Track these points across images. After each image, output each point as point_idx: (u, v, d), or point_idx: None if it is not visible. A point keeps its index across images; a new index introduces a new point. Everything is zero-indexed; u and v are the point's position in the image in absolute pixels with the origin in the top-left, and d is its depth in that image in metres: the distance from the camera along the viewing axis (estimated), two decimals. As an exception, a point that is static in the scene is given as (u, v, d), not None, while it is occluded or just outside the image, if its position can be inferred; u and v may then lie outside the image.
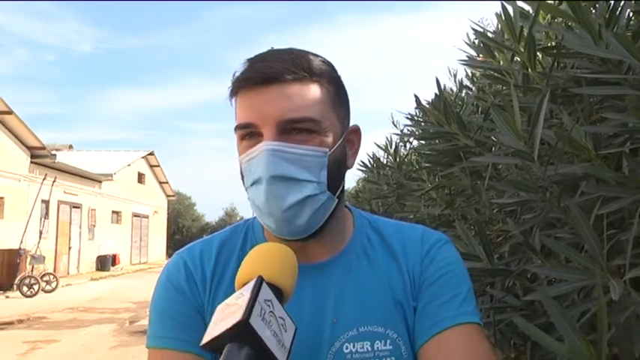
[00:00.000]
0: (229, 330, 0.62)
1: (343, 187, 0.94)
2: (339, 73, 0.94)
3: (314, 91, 0.86)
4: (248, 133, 0.86)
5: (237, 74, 0.88)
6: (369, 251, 0.96)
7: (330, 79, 0.90)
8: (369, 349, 0.87)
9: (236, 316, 0.62)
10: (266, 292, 0.67)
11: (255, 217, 1.02)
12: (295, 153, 0.83)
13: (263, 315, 0.64)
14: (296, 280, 0.76)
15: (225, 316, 0.65)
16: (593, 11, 1.35)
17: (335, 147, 0.88)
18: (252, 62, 0.87)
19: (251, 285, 0.68)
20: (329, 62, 0.92)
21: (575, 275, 0.89)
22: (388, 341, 0.87)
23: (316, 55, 0.91)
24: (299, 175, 0.83)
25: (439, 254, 0.94)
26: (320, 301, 0.90)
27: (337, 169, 0.89)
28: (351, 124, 0.97)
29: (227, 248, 0.98)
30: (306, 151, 0.84)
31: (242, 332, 0.62)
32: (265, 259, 0.75)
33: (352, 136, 0.96)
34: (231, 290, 0.91)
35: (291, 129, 0.83)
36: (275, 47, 0.91)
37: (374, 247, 0.96)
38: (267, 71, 0.83)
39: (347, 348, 0.87)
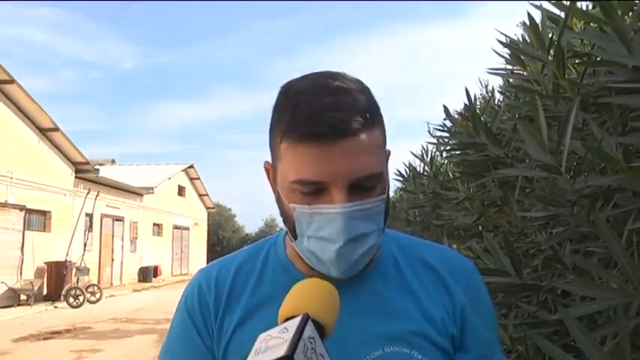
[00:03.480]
0: None
1: None
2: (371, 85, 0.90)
3: (376, 138, 0.84)
4: (311, 188, 0.82)
5: (296, 120, 0.80)
6: (396, 272, 0.95)
7: (379, 113, 0.87)
8: None
9: (280, 350, 0.64)
10: (310, 330, 0.69)
11: (277, 236, 1.02)
12: (365, 209, 0.82)
13: (306, 352, 0.66)
14: (337, 319, 0.76)
15: (269, 347, 0.66)
16: (628, 17, 1.32)
17: (387, 188, 0.87)
18: (313, 109, 0.79)
19: (297, 321, 0.69)
20: (368, 88, 0.88)
21: (606, 293, 0.86)
22: None
23: (362, 87, 0.86)
24: (367, 230, 0.83)
25: (479, 285, 0.97)
26: (344, 320, 0.88)
27: (388, 205, 0.88)
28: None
29: (246, 267, 0.98)
30: (373, 204, 0.83)
31: None
32: (311, 296, 0.75)
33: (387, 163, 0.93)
34: (248, 308, 0.93)
35: (359, 185, 0.82)
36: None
37: (401, 267, 0.95)
38: (338, 126, 0.78)
39: None
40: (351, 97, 0.81)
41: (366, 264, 0.90)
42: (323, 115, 0.79)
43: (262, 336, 0.70)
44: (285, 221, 0.89)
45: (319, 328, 0.72)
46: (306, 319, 0.69)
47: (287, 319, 0.72)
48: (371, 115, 0.83)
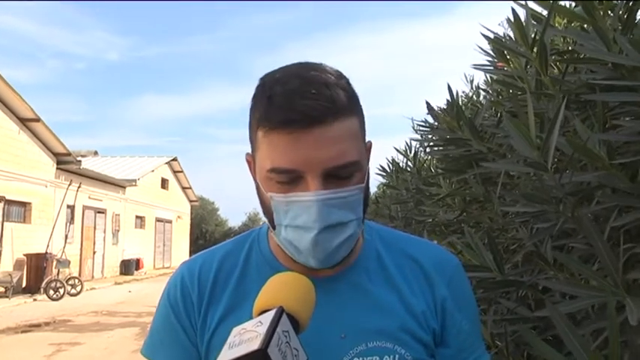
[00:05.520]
0: (246, 356, 0.63)
1: None
2: (354, 79, 0.90)
3: (352, 127, 0.83)
4: (287, 176, 0.82)
5: (270, 108, 0.80)
6: (380, 266, 0.94)
7: (358, 103, 0.87)
8: None
9: (254, 344, 0.64)
10: (285, 323, 0.69)
11: (260, 229, 1.01)
12: (341, 197, 0.81)
13: (280, 345, 0.65)
14: (312, 313, 0.76)
15: (242, 340, 0.66)
16: (609, 15, 1.32)
17: (366, 177, 0.87)
18: (287, 97, 0.79)
19: (271, 314, 0.68)
20: (347, 79, 0.87)
21: (587, 291, 0.86)
22: (397, 356, 0.87)
23: (339, 76, 0.85)
24: (345, 218, 0.82)
25: (462, 281, 0.97)
26: (327, 314, 0.88)
27: (367, 196, 0.88)
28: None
29: (229, 261, 0.97)
30: (350, 193, 0.82)
31: None
32: (286, 289, 0.75)
33: (368, 154, 0.93)
34: (231, 302, 0.92)
35: (336, 173, 0.81)
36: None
37: (384, 262, 0.95)
38: (309, 113, 0.78)
39: None
40: (325, 86, 0.81)
41: (348, 256, 0.89)
42: (295, 103, 0.79)
43: (236, 329, 0.70)
44: (264, 212, 0.89)
45: (294, 322, 0.71)
46: (280, 312, 0.69)
47: (262, 313, 0.71)
48: (347, 104, 0.82)
